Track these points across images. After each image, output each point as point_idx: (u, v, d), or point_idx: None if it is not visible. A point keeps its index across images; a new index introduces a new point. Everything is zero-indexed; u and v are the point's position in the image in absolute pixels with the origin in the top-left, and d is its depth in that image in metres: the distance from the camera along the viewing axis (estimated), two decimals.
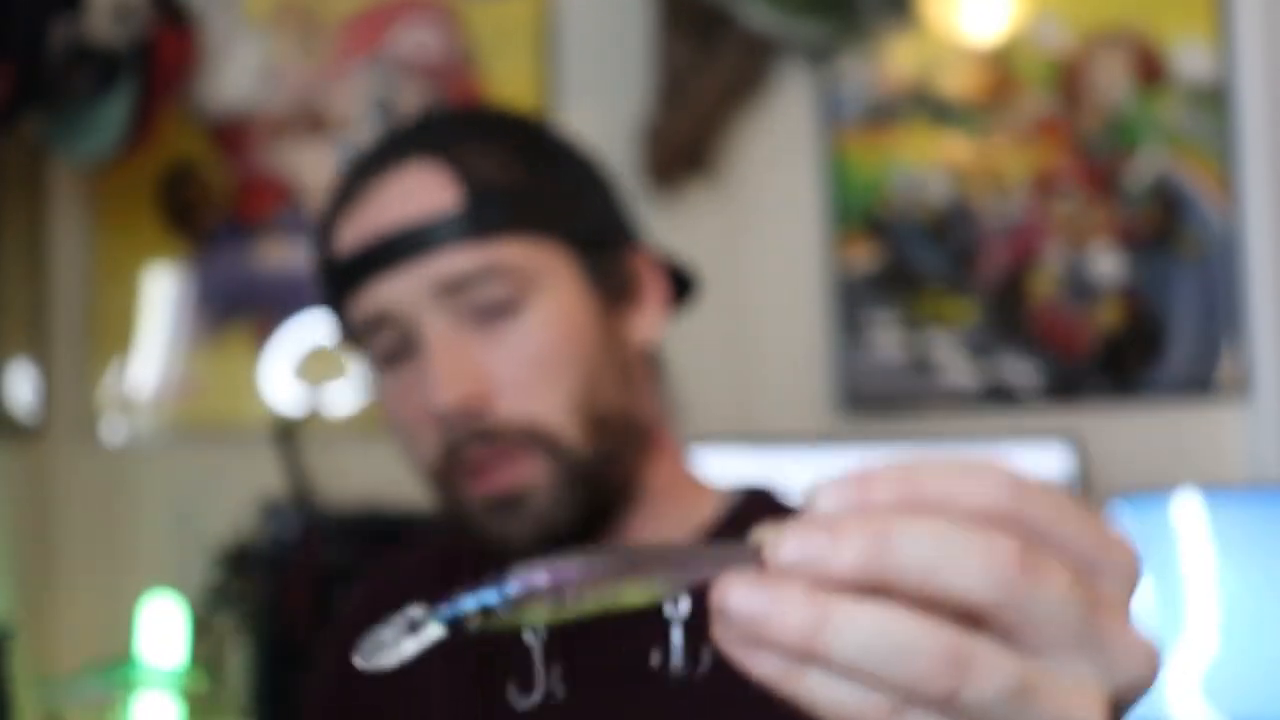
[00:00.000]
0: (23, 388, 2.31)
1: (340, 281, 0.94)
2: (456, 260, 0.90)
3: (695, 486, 0.99)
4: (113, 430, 2.45)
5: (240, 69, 2.50)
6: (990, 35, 2.55)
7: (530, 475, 0.91)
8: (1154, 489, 2.30)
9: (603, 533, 0.94)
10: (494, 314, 0.91)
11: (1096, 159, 2.53)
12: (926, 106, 2.54)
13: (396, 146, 0.95)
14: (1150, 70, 2.54)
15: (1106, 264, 2.51)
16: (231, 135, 2.49)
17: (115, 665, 2.12)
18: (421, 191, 0.92)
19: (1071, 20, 2.55)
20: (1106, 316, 2.51)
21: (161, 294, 2.46)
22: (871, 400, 2.50)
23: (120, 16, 2.03)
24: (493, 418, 0.90)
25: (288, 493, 2.28)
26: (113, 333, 2.45)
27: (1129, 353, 2.50)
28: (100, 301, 2.46)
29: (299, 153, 2.50)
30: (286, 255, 2.48)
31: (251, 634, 2.16)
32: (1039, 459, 2.32)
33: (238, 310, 2.47)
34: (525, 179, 0.93)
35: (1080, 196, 2.52)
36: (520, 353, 0.91)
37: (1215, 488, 2.30)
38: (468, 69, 2.53)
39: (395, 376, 0.94)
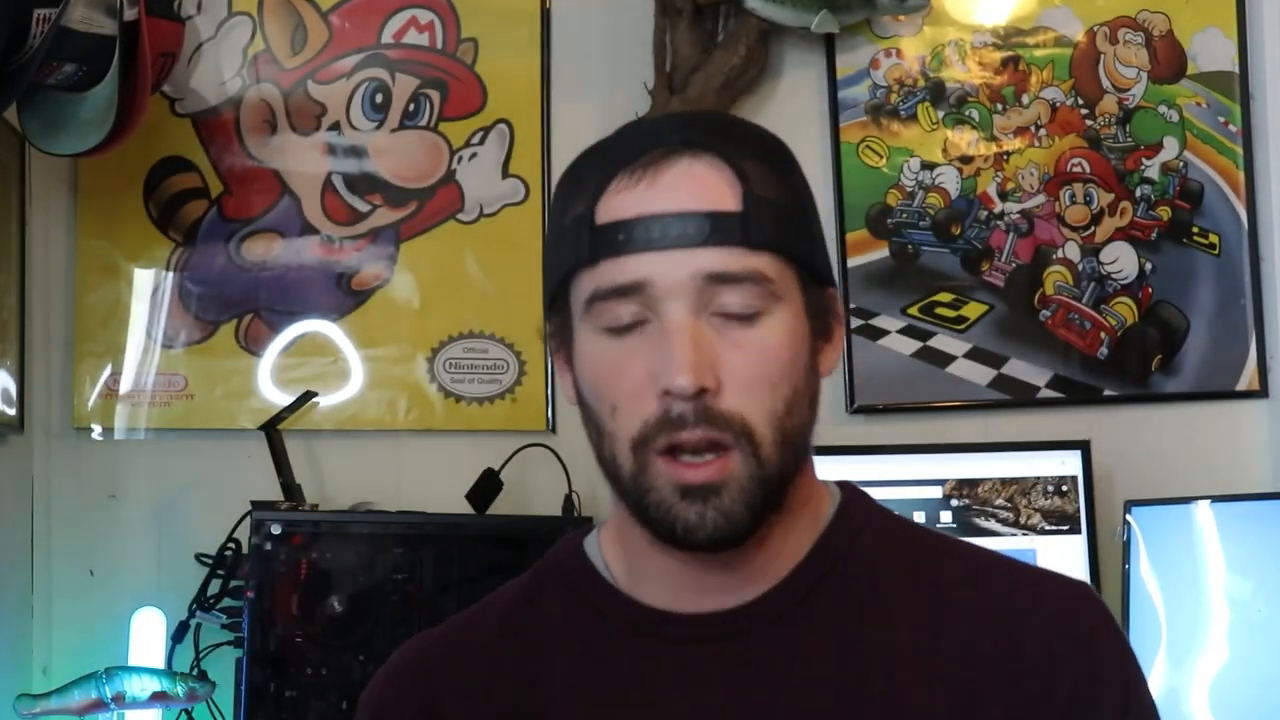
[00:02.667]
0: (4, 386, 2.26)
1: (602, 241, 1.00)
2: (727, 259, 0.98)
3: (819, 488, 1.11)
4: (97, 430, 2.40)
5: (228, 60, 2.45)
6: (1002, 25, 2.49)
7: (732, 471, 0.99)
8: (1171, 492, 2.26)
9: (755, 537, 1.02)
10: (735, 317, 0.99)
11: (1111, 152, 2.47)
12: (936, 98, 2.48)
13: (686, 137, 1.01)
14: (1167, 61, 2.48)
15: (1121, 260, 2.46)
16: (219, 128, 2.44)
17: (101, 670, 2.08)
18: (710, 187, 1.00)
19: (1085, 9, 2.49)
20: (1121, 315, 2.45)
21: (146, 291, 2.41)
22: (880, 402, 2.45)
23: (104, 6, 1.99)
24: (717, 407, 0.98)
25: (276, 494, 2.24)
26: (96, 330, 2.40)
27: (1144, 352, 2.45)
28: (83, 298, 2.41)
29: (289, 146, 2.44)
30: (275, 251, 2.43)
31: (239, 638, 2.13)
32: (1051, 462, 2.27)
33: (225, 307, 2.42)
34: (787, 201, 1.03)
35: (1094, 191, 2.46)
36: (751, 358, 0.99)
37: (1232, 495, 2.25)
38: (465, 59, 2.48)
39: (618, 344, 1.00)
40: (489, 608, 1.13)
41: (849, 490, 1.12)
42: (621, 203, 1.00)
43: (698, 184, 1.00)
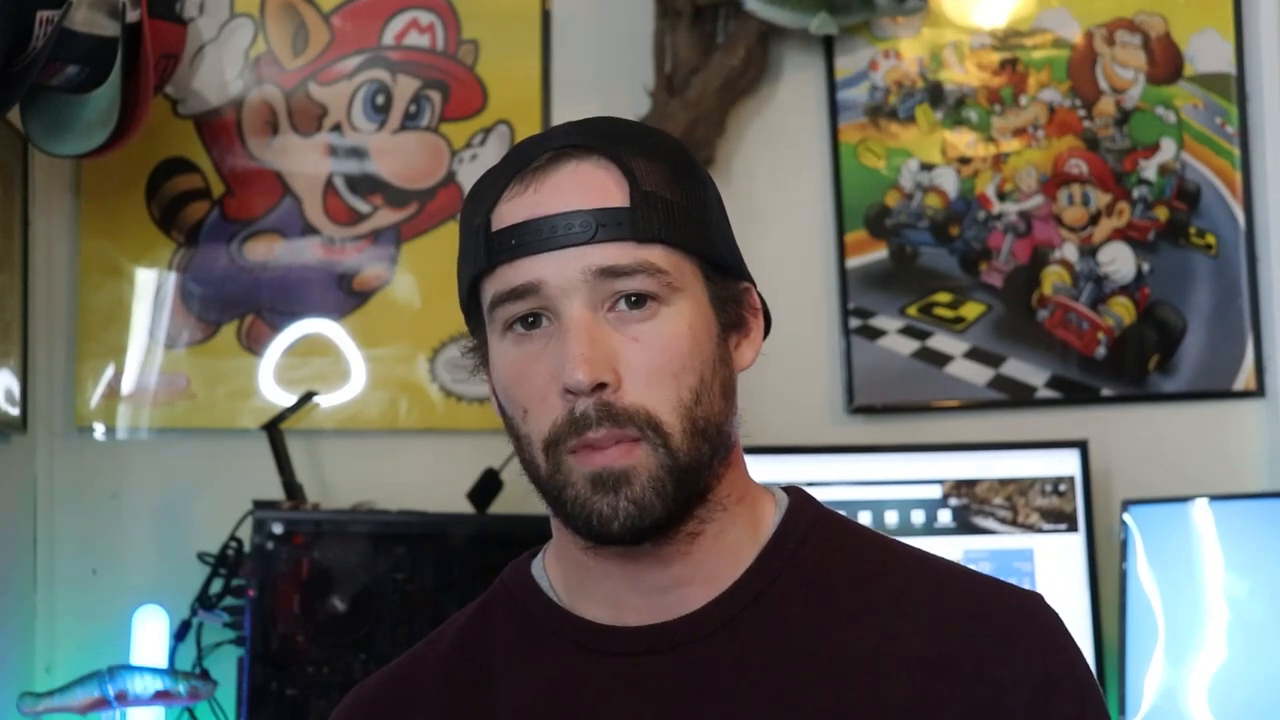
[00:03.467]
0: (7, 386, 2.27)
1: (496, 247, 1.03)
2: (617, 253, 1.00)
3: (757, 491, 1.11)
4: (99, 430, 2.41)
5: (230, 61, 2.46)
6: (1000, 26, 2.50)
7: (639, 460, 0.99)
8: (1168, 491, 2.27)
9: (683, 531, 1.03)
10: (632, 310, 1.01)
11: (1109, 153, 2.48)
12: (935, 100, 2.49)
13: (573, 141, 1.04)
14: (1164, 62, 2.49)
15: (1119, 261, 2.46)
16: (221, 129, 2.44)
17: (103, 669, 2.08)
18: (596, 186, 1.02)
19: (1083, 10, 2.50)
20: (1119, 315, 2.46)
21: (149, 291, 2.42)
22: (879, 402, 2.45)
23: (107, 7, 2.00)
24: (619, 403, 0.99)
25: (278, 493, 2.24)
26: (99, 331, 2.41)
27: (1142, 352, 2.45)
28: (86, 298, 2.42)
29: (290, 148, 2.45)
30: (277, 252, 2.44)
31: (241, 637, 2.14)
32: (1049, 462, 2.27)
33: (227, 308, 2.43)
34: (680, 197, 1.04)
35: (1092, 191, 2.47)
36: (650, 351, 1.00)
37: (1229, 494, 2.26)
38: (465, 61, 2.49)
39: (520, 346, 1.03)
40: (440, 637, 1.14)
41: (796, 494, 1.12)
42: (512, 209, 1.03)
43: (584, 183, 1.02)
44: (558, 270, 1.00)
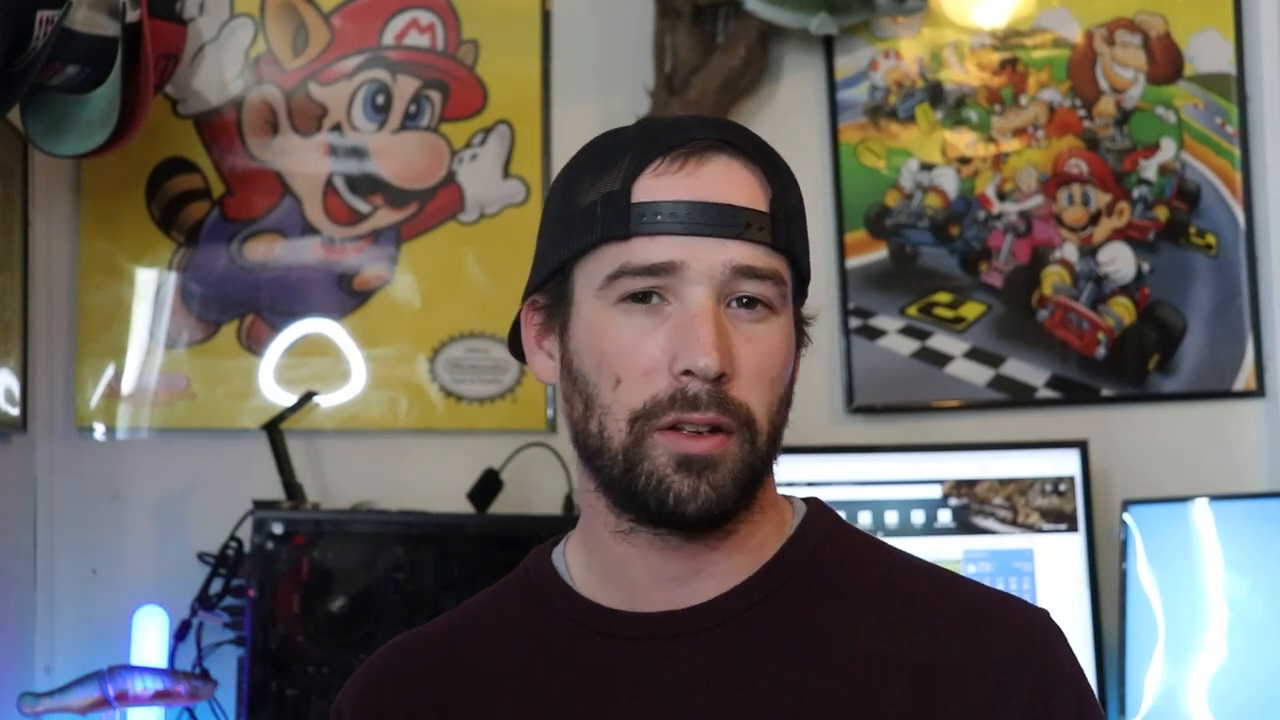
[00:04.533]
0: (7, 386, 2.27)
1: (639, 218, 1.03)
2: (755, 254, 1.03)
3: (781, 497, 1.13)
4: (99, 430, 2.41)
5: (230, 61, 2.46)
6: (1000, 26, 2.50)
7: (730, 450, 1.02)
8: (1168, 491, 2.27)
9: (725, 530, 1.05)
10: (748, 311, 1.03)
11: (1109, 153, 2.48)
12: (935, 100, 2.49)
13: (723, 136, 1.06)
14: (1164, 62, 2.49)
15: (1119, 261, 2.46)
16: (221, 129, 2.44)
17: (103, 669, 2.08)
18: (746, 186, 1.04)
19: (1083, 10, 2.50)
20: (1119, 315, 2.46)
21: (149, 291, 2.42)
22: (879, 402, 2.45)
23: (107, 7, 2.00)
24: (729, 393, 1.02)
25: (278, 493, 2.24)
26: (99, 331, 2.41)
27: (1142, 352, 2.45)
28: (86, 299, 2.42)
29: (290, 148, 2.45)
30: (277, 252, 2.44)
31: (241, 637, 2.14)
32: (1049, 462, 2.27)
33: (227, 308, 2.43)
34: (798, 214, 1.08)
35: (1092, 191, 2.47)
36: (759, 354, 1.03)
37: (1229, 494, 2.26)
38: (465, 60, 2.49)
39: (632, 318, 1.03)
40: (459, 612, 1.16)
41: (815, 504, 1.14)
42: (662, 185, 1.03)
43: (737, 180, 1.04)
44: (699, 256, 1.02)
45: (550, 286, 1.08)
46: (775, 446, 1.06)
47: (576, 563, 1.11)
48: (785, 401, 1.07)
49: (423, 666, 1.12)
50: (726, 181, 1.04)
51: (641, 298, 1.03)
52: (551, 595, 1.10)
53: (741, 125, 1.11)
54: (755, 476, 1.03)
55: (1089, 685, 1.06)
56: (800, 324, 1.10)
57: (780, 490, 1.14)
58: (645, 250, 1.03)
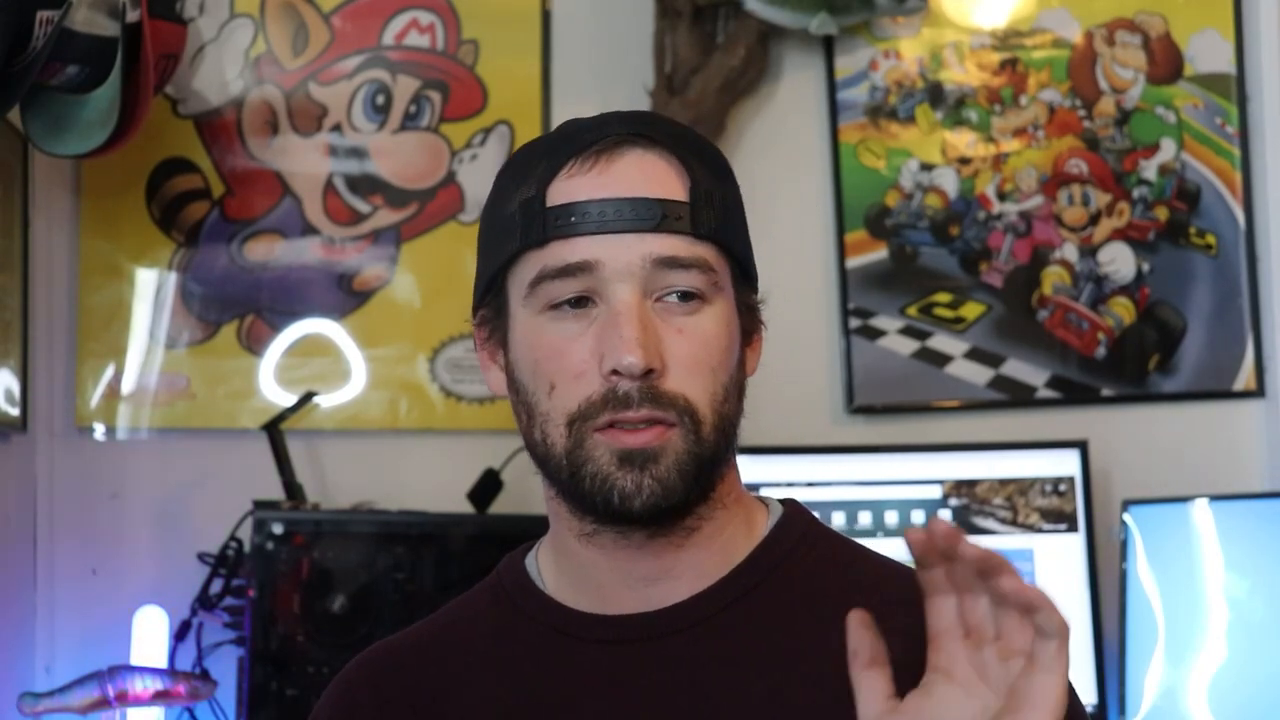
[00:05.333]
0: (7, 386, 2.27)
1: (554, 222, 1.02)
2: (676, 245, 1.02)
3: (749, 498, 1.12)
4: (99, 430, 2.41)
5: (230, 61, 2.46)
6: (1000, 26, 2.50)
7: (671, 441, 1.01)
8: (1168, 491, 2.27)
9: (683, 525, 1.04)
10: (679, 303, 1.02)
11: (1109, 153, 2.48)
12: (935, 100, 2.49)
13: (637, 129, 1.05)
14: (1164, 62, 2.49)
15: (1119, 261, 2.46)
16: (221, 129, 2.44)
17: (103, 669, 2.08)
18: (660, 177, 1.03)
19: (1083, 10, 2.50)
20: (1119, 315, 2.46)
21: (149, 291, 2.42)
22: (879, 402, 2.45)
23: (107, 8, 1.99)
24: (661, 387, 1.01)
25: (278, 493, 2.24)
26: (99, 331, 2.41)
27: (1142, 352, 2.45)
28: (86, 299, 2.42)
29: (290, 148, 2.45)
30: (277, 252, 2.44)
31: (241, 637, 2.14)
32: (1049, 462, 2.27)
33: (227, 308, 2.43)
34: (728, 201, 1.06)
35: (1092, 192, 2.47)
36: (693, 344, 1.02)
37: (1229, 494, 2.26)
38: (465, 61, 2.49)
39: (559, 324, 1.03)
40: (433, 619, 1.16)
41: (791, 506, 1.13)
42: (574, 186, 1.03)
43: (649, 172, 1.03)
44: (617, 253, 1.01)
45: (489, 300, 1.08)
46: (725, 436, 1.04)
47: (548, 567, 1.11)
48: (732, 390, 1.05)
49: (396, 674, 1.12)
50: (640, 175, 1.03)
51: (572, 302, 1.02)
52: (523, 600, 1.10)
53: (665, 117, 1.10)
54: (703, 467, 1.02)
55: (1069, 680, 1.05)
56: (748, 313, 1.08)
57: (779, 491, 1.14)
58: (561, 253, 1.02)
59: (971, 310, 2.46)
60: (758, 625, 1.04)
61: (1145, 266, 2.46)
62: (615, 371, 1.00)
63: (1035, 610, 0.87)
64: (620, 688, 1.03)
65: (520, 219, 1.04)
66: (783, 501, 1.13)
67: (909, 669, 1.01)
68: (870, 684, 0.92)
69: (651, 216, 1.01)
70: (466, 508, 2.29)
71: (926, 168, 2.48)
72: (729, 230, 1.05)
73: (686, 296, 1.02)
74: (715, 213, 1.04)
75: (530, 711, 1.05)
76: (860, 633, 0.93)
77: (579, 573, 1.07)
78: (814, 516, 1.13)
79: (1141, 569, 2.20)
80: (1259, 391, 2.43)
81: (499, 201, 1.07)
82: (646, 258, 1.01)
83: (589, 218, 1.01)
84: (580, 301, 1.02)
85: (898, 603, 1.05)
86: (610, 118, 1.07)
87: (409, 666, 1.12)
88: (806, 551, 1.08)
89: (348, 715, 1.12)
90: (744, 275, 1.08)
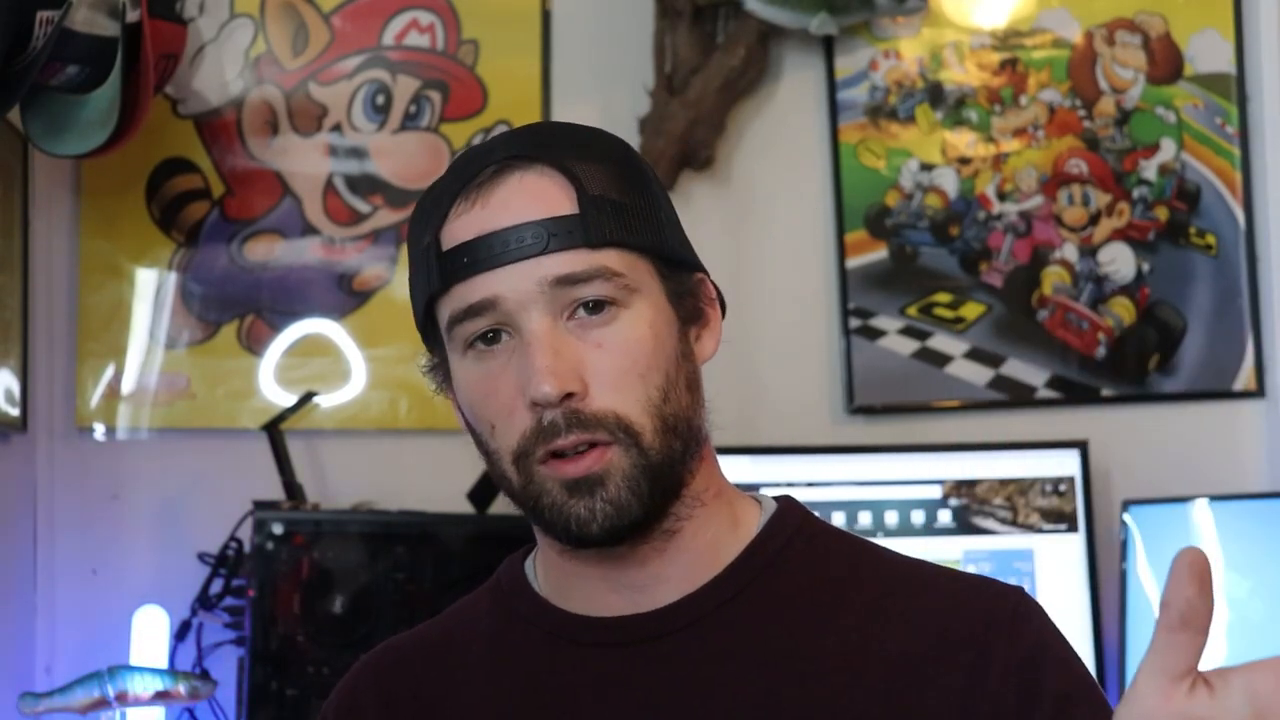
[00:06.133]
0: (7, 386, 2.27)
1: (448, 267, 1.02)
2: (571, 261, 1.00)
3: (735, 493, 1.11)
4: (99, 430, 2.41)
5: (230, 62, 2.46)
6: (1000, 26, 2.50)
7: (612, 461, 1.00)
8: (1169, 491, 2.27)
9: (659, 529, 1.03)
10: (592, 316, 1.01)
11: (1109, 153, 2.48)
12: (935, 100, 2.49)
13: (516, 152, 1.03)
14: (1164, 62, 2.49)
15: (1119, 261, 2.46)
16: (221, 129, 2.44)
17: (104, 669, 2.08)
18: (543, 196, 1.01)
19: (1083, 10, 2.50)
20: (1119, 315, 2.46)
21: (149, 291, 2.42)
22: (879, 402, 2.45)
23: (107, 8, 1.99)
24: (587, 409, 0.99)
25: (278, 493, 2.24)
26: (99, 331, 2.41)
27: (1142, 352, 2.45)
28: (86, 299, 2.42)
29: (290, 148, 2.45)
30: (277, 252, 2.44)
31: (241, 637, 2.14)
32: (1050, 462, 2.27)
33: (227, 308, 2.43)
34: (628, 198, 1.03)
35: (1092, 192, 2.47)
36: (614, 355, 1.00)
37: (1229, 494, 2.26)
38: (465, 61, 2.49)
39: (482, 363, 1.03)
40: (436, 621, 1.17)
41: (785, 502, 1.12)
42: (462, 226, 1.02)
43: (530, 194, 1.02)
44: (513, 284, 1.00)
45: (431, 339, 1.09)
46: (676, 436, 1.02)
47: (544, 571, 1.12)
48: (673, 388, 1.03)
49: (400, 675, 1.13)
50: (521, 199, 1.01)
51: (489, 339, 1.02)
52: (520, 603, 1.11)
53: (552, 124, 1.10)
54: (657, 476, 1.01)
55: (1069, 654, 1.04)
56: (687, 298, 1.06)
57: (777, 490, 1.13)
58: (464, 294, 1.01)
59: (971, 310, 2.46)
60: (750, 624, 1.04)
61: (1145, 266, 2.46)
62: (535, 403, 0.99)
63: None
64: (616, 690, 1.04)
65: (424, 266, 1.04)
66: (777, 498, 1.12)
67: (909, 658, 1.01)
68: (1170, 651, 0.74)
69: (537, 239, 1.00)
70: (466, 508, 2.29)
71: (926, 168, 2.48)
72: (634, 228, 1.03)
73: (598, 308, 1.01)
74: (611, 216, 1.02)
75: (526, 713, 1.06)
76: (1180, 585, 0.73)
77: (570, 583, 1.08)
78: (808, 512, 1.12)
79: (1141, 569, 2.20)
80: (1259, 391, 2.43)
81: (411, 248, 1.08)
82: (543, 281, 1.00)
83: (479, 255, 1.01)
84: (496, 336, 1.02)
85: (890, 590, 1.05)
86: (496, 142, 1.06)
87: (413, 667, 1.13)
88: (802, 546, 1.08)
89: (352, 716, 1.12)
90: (671, 264, 1.05)
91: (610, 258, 1.01)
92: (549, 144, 1.05)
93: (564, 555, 1.06)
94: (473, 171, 1.03)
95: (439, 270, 1.03)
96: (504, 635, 1.10)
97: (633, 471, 1.00)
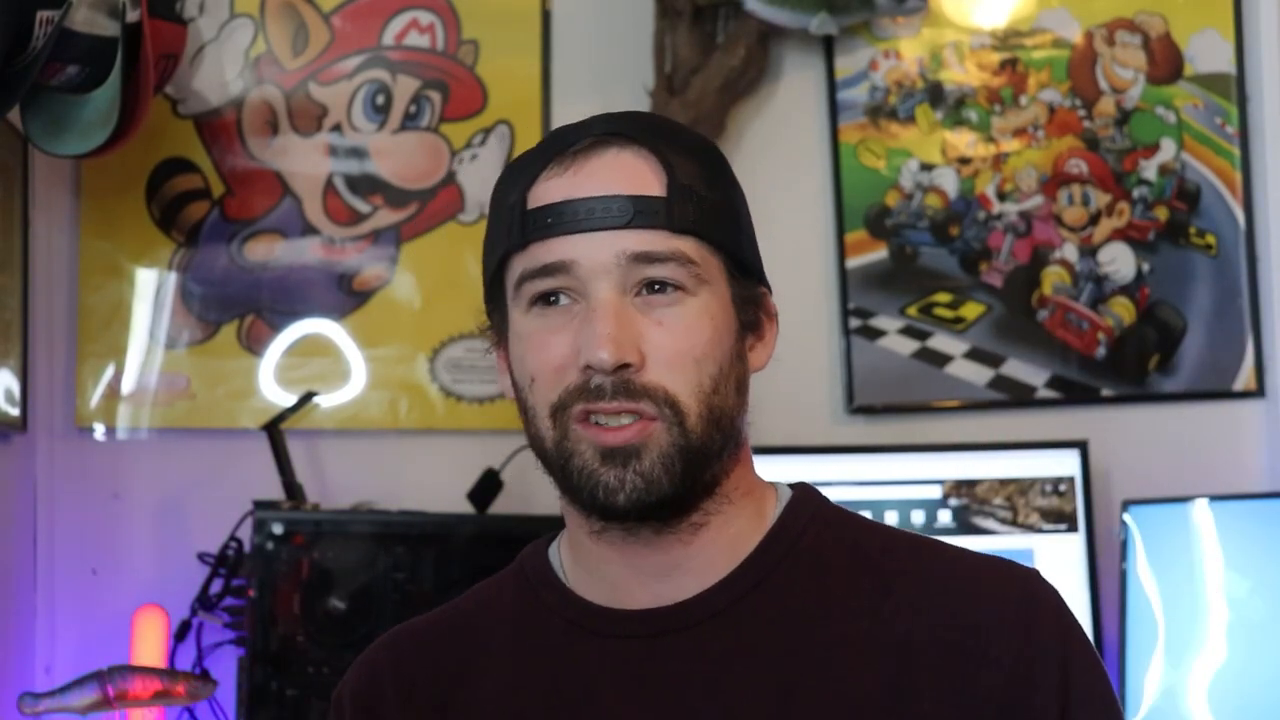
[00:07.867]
0: (7, 386, 2.26)
1: (530, 225, 1.04)
2: (651, 240, 1.03)
3: (761, 486, 1.12)
4: (99, 430, 2.41)
5: (230, 62, 2.45)
6: (1000, 26, 2.50)
7: (653, 436, 1.01)
8: (1168, 491, 2.27)
9: (688, 521, 1.05)
10: (660, 296, 1.03)
11: (1109, 153, 2.48)
12: (935, 100, 2.49)
13: (615, 129, 1.07)
14: (1164, 62, 2.49)
15: (1119, 261, 2.46)
16: (221, 129, 2.44)
17: (103, 669, 2.08)
18: (635, 174, 1.04)
19: (1083, 10, 2.50)
20: (1119, 315, 2.46)
21: (149, 291, 2.42)
22: (879, 402, 2.45)
23: (107, 8, 1.99)
24: (638, 380, 1.02)
25: (278, 493, 2.24)
26: (99, 331, 2.41)
27: (1142, 352, 2.45)
28: (86, 299, 2.42)
29: (290, 148, 2.45)
30: (277, 252, 2.44)
31: (241, 637, 2.14)
32: (1049, 462, 2.27)
33: (227, 308, 2.43)
34: (713, 195, 1.07)
35: (1092, 192, 2.47)
36: (674, 336, 1.03)
37: (1229, 494, 2.26)
38: (465, 61, 2.49)
39: (543, 319, 1.05)
40: (457, 604, 1.17)
41: (800, 489, 1.14)
42: (551, 188, 1.05)
43: (623, 171, 1.05)
44: (591, 252, 1.03)
45: (494, 296, 1.11)
46: (717, 428, 1.04)
47: (567, 560, 1.12)
48: (724, 382, 1.05)
49: (419, 656, 1.13)
50: (613, 174, 1.04)
51: (553, 299, 1.04)
52: (544, 591, 1.11)
53: (652, 114, 1.12)
54: (692, 460, 1.02)
55: (1083, 642, 1.05)
56: (749, 306, 1.08)
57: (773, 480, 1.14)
58: (539, 254, 1.04)
59: (971, 310, 2.46)
60: (767, 615, 1.05)
61: (1145, 266, 2.46)
62: (589, 366, 1.01)
63: None
64: (635, 683, 1.05)
65: (506, 222, 1.07)
66: (793, 485, 1.14)
67: (912, 645, 1.02)
68: None
69: (623, 213, 1.03)
70: (466, 508, 2.29)
71: (926, 168, 2.48)
72: (713, 224, 1.05)
73: (665, 289, 1.03)
74: (695, 207, 1.04)
75: (546, 702, 1.06)
76: None
77: (593, 568, 1.09)
78: (824, 498, 1.13)
79: (1141, 569, 2.20)
80: (1259, 391, 2.43)
81: (495, 207, 1.10)
82: (621, 254, 1.02)
83: (563, 218, 1.03)
84: (561, 297, 1.04)
85: (902, 573, 1.06)
86: (595, 120, 1.09)
87: (432, 649, 1.13)
88: (817, 534, 1.09)
89: (370, 695, 1.13)
90: (741, 269, 1.08)
91: (688, 245, 1.04)
92: (647, 129, 1.07)
93: (591, 536, 1.07)
94: (569, 141, 1.06)
95: (520, 226, 1.05)
96: (527, 622, 1.10)
97: (670, 450, 1.02)
